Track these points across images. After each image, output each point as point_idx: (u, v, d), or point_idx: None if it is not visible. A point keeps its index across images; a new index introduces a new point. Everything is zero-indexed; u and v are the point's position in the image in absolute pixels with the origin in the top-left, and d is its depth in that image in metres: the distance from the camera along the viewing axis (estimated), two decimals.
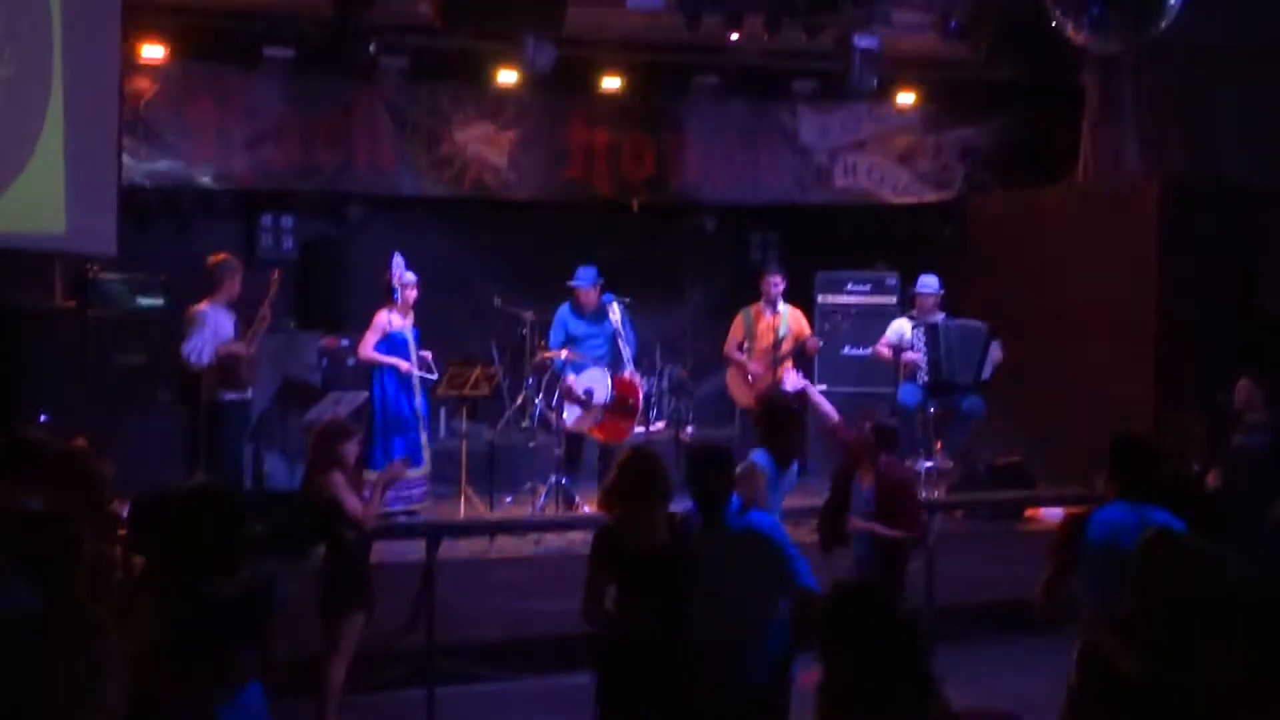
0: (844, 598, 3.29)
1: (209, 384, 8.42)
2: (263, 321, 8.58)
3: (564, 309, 9.87)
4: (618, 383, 9.48)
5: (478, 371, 9.59)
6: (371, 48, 9.40)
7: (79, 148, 8.57)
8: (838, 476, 6.59)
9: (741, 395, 10.27)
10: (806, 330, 10.34)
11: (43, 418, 7.96)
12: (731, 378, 10.39)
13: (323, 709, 6.16)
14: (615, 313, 9.78)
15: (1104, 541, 4.87)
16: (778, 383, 10.09)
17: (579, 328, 9.80)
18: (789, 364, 10.27)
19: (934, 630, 6.99)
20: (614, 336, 9.75)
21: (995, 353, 9.99)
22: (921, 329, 10.03)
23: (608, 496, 5.04)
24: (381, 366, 9.24)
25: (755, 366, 10.08)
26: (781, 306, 10.22)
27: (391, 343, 9.24)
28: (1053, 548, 5.13)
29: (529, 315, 10.58)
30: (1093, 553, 4.90)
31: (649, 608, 4.74)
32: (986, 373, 10.01)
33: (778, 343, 10.11)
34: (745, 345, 10.24)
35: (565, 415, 9.59)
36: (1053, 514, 9.13)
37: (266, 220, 11.13)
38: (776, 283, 10.21)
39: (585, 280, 9.77)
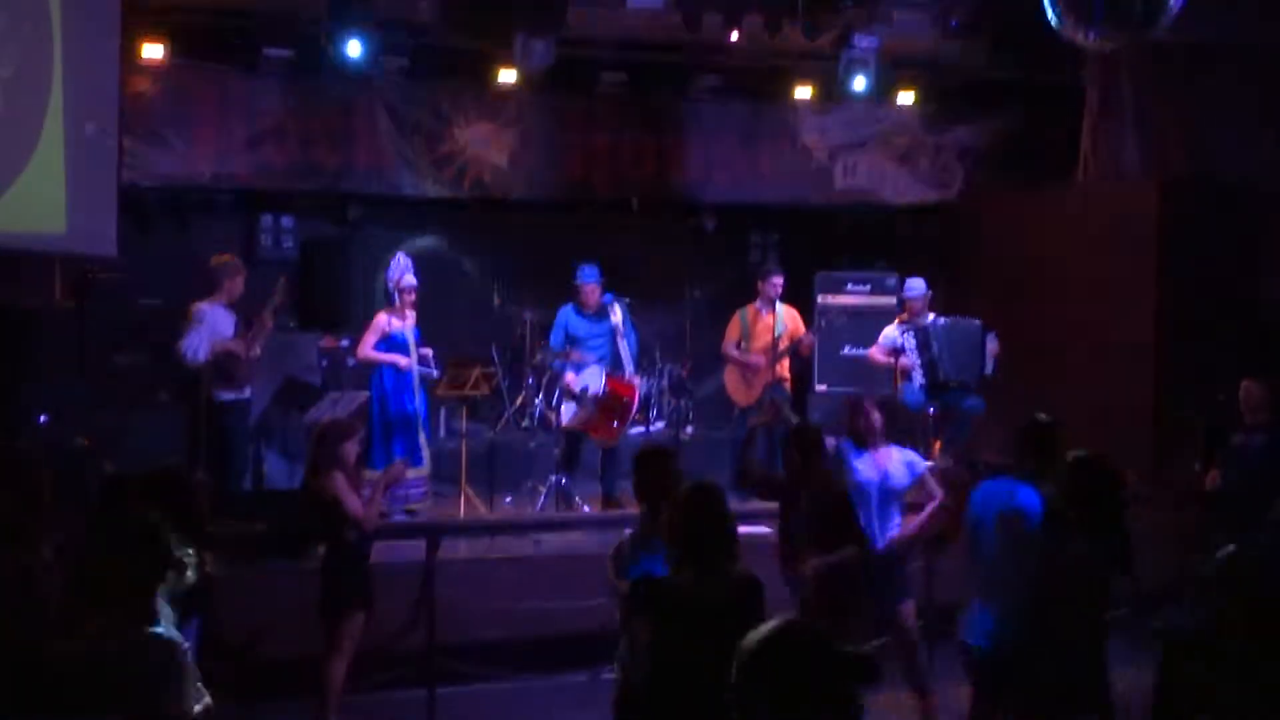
0: (766, 646, 2.67)
1: (206, 382, 8.41)
2: (263, 328, 8.57)
3: (566, 309, 9.87)
4: (611, 381, 9.48)
5: (477, 371, 9.58)
6: (359, 48, 9.34)
7: (79, 148, 8.56)
8: None
9: (740, 395, 10.28)
10: (802, 329, 10.34)
11: (43, 418, 7.96)
12: (730, 377, 10.39)
13: (323, 709, 6.17)
14: (617, 313, 9.79)
15: (975, 508, 5.55)
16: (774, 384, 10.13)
17: (580, 327, 9.80)
18: (785, 363, 10.31)
19: (934, 630, 6.99)
20: (614, 337, 9.76)
21: (992, 345, 9.94)
22: (912, 332, 10.01)
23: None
24: (380, 366, 9.22)
25: (754, 361, 10.09)
26: (778, 306, 10.23)
27: (391, 343, 9.23)
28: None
29: (529, 315, 10.57)
30: (969, 520, 5.57)
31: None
32: (989, 368, 9.98)
33: (775, 342, 10.11)
34: (741, 345, 10.25)
35: (562, 413, 9.59)
36: None
37: (266, 220, 11.14)
38: (776, 283, 10.22)
39: (589, 277, 9.77)
